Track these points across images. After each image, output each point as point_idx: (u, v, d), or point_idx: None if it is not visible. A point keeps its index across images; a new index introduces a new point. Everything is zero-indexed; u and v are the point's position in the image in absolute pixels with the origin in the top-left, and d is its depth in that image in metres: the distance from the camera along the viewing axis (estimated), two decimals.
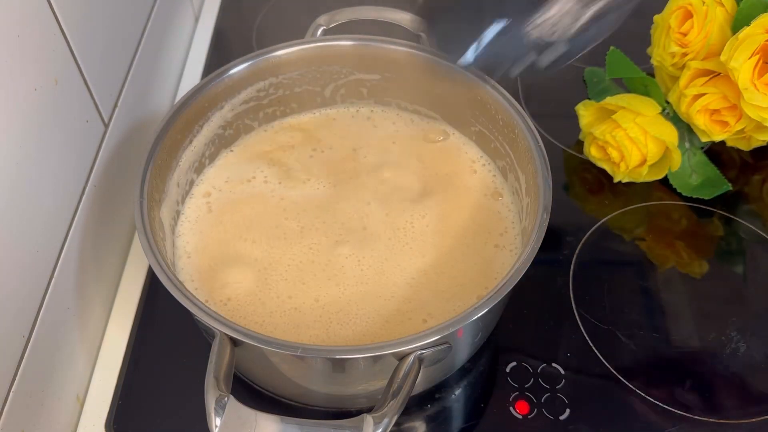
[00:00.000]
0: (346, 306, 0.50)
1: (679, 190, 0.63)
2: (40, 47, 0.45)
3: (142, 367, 0.53)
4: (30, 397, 0.45)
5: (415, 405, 0.51)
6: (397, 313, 0.49)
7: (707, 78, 0.59)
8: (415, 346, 0.40)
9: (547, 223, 0.45)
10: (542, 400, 0.51)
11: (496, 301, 0.42)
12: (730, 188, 0.63)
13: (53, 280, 0.48)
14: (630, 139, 0.60)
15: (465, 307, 0.42)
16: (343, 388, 0.48)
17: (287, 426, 0.37)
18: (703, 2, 0.58)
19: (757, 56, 0.55)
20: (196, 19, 0.83)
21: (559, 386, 0.51)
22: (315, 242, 0.53)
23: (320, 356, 0.42)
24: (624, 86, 0.67)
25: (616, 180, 0.63)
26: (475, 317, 0.41)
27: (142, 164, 0.49)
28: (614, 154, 0.61)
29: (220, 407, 0.37)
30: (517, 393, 0.51)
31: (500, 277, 0.43)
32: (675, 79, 0.61)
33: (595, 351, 0.54)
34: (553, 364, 0.53)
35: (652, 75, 0.65)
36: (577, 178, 0.66)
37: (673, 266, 0.59)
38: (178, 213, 0.54)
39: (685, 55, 0.60)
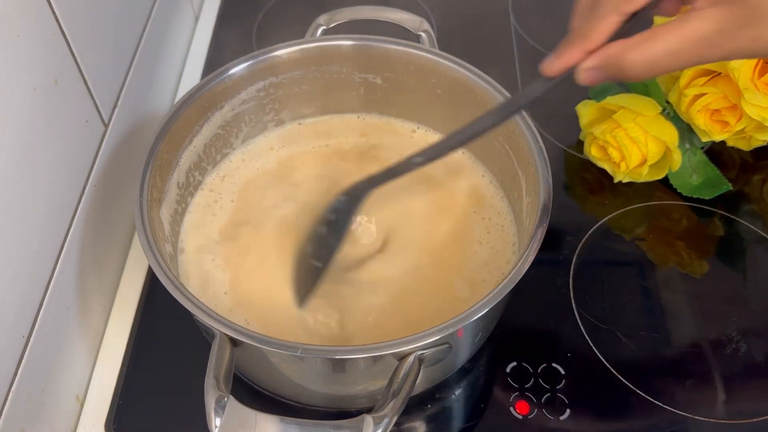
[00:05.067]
0: (348, 306, 0.50)
1: (679, 190, 0.63)
2: (40, 47, 0.45)
3: (142, 367, 0.53)
4: (30, 397, 0.45)
5: (415, 405, 0.51)
6: (398, 312, 0.49)
7: (708, 78, 0.59)
8: (415, 346, 0.40)
9: (547, 223, 0.45)
10: (542, 400, 0.51)
11: (496, 301, 0.42)
12: (731, 188, 0.63)
13: (53, 280, 0.48)
14: (630, 139, 0.60)
15: (465, 306, 0.42)
16: (343, 388, 0.48)
17: (287, 426, 0.37)
18: None
19: None
20: (196, 19, 0.83)
21: (559, 386, 0.51)
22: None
23: (320, 356, 0.42)
24: (624, 86, 0.67)
25: (616, 180, 0.63)
26: (475, 317, 0.41)
27: (142, 164, 0.49)
28: (614, 153, 0.61)
29: (220, 407, 0.37)
30: (517, 393, 0.51)
31: (500, 278, 0.43)
32: (675, 78, 0.61)
33: (595, 351, 0.54)
34: (553, 364, 0.53)
35: None
36: (577, 178, 0.66)
37: (674, 266, 0.59)
38: (178, 213, 0.54)
39: None
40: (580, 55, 0.35)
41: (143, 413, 0.51)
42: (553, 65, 0.36)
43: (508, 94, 0.53)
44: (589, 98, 0.66)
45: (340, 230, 0.48)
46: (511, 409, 0.50)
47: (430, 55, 0.57)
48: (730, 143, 0.65)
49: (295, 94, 0.60)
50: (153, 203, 0.49)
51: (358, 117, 0.63)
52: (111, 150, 0.56)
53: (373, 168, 0.58)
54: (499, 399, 0.51)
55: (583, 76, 0.36)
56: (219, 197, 0.57)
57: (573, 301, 0.56)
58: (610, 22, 0.34)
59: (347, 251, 0.52)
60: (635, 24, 0.35)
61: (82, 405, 0.53)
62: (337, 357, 0.42)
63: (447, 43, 0.64)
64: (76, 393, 0.52)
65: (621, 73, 0.35)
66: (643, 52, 0.33)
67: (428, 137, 0.61)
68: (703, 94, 0.59)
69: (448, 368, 0.51)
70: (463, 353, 0.51)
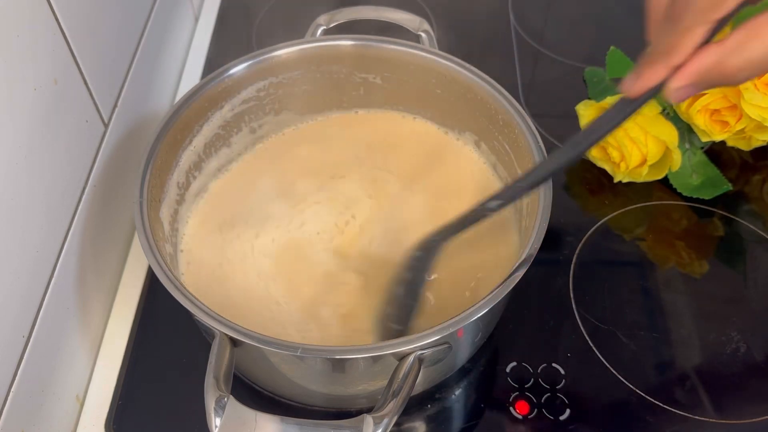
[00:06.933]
0: (348, 306, 0.50)
1: (679, 190, 0.63)
2: (39, 47, 0.45)
3: (142, 367, 0.53)
4: (30, 397, 0.45)
5: (415, 405, 0.51)
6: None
7: None
8: (415, 346, 0.40)
9: (547, 223, 0.45)
10: (542, 400, 0.51)
11: (496, 301, 0.42)
12: (731, 188, 0.63)
13: (53, 280, 0.48)
14: (630, 139, 0.60)
15: (464, 306, 0.42)
16: (343, 389, 0.48)
17: (287, 426, 0.37)
18: None
19: None
20: (196, 19, 0.83)
21: (559, 386, 0.51)
22: (315, 241, 0.53)
23: (320, 356, 0.42)
24: None
25: (616, 180, 0.63)
26: (475, 317, 0.41)
27: (142, 164, 0.49)
28: (614, 154, 0.61)
29: (220, 407, 0.37)
30: (517, 393, 0.51)
31: (500, 278, 0.43)
32: None
33: (595, 351, 0.54)
34: (553, 364, 0.53)
35: None
36: (577, 178, 0.66)
37: (674, 266, 0.59)
38: (178, 213, 0.54)
39: None
40: (665, 72, 0.32)
41: (143, 413, 0.51)
42: (636, 85, 0.33)
43: (507, 94, 0.53)
44: (589, 98, 0.66)
45: (416, 290, 0.46)
46: (511, 409, 0.50)
47: (430, 55, 0.57)
48: (730, 143, 0.65)
49: (295, 94, 0.60)
50: (153, 203, 0.49)
51: (357, 117, 0.63)
52: (111, 150, 0.56)
53: (371, 166, 0.59)
54: (499, 399, 0.51)
55: (677, 96, 0.33)
56: (219, 197, 0.57)
57: (573, 301, 0.56)
58: (697, 33, 0.31)
59: (358, 244, 0.52)
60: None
61: (82, 405, 0.53)
62: (337, 357, 0.42)
63: (447, 43, 0.64)
64: (76, 393, 0.52)
65: (722, 83, 0.32)
66: (745, 56, 0.30)
67: (427, 126, 0.61)
68: (703, 94, 0.59)
69: (448, 368, 0.51)
70: (463, 353, 0.51)
